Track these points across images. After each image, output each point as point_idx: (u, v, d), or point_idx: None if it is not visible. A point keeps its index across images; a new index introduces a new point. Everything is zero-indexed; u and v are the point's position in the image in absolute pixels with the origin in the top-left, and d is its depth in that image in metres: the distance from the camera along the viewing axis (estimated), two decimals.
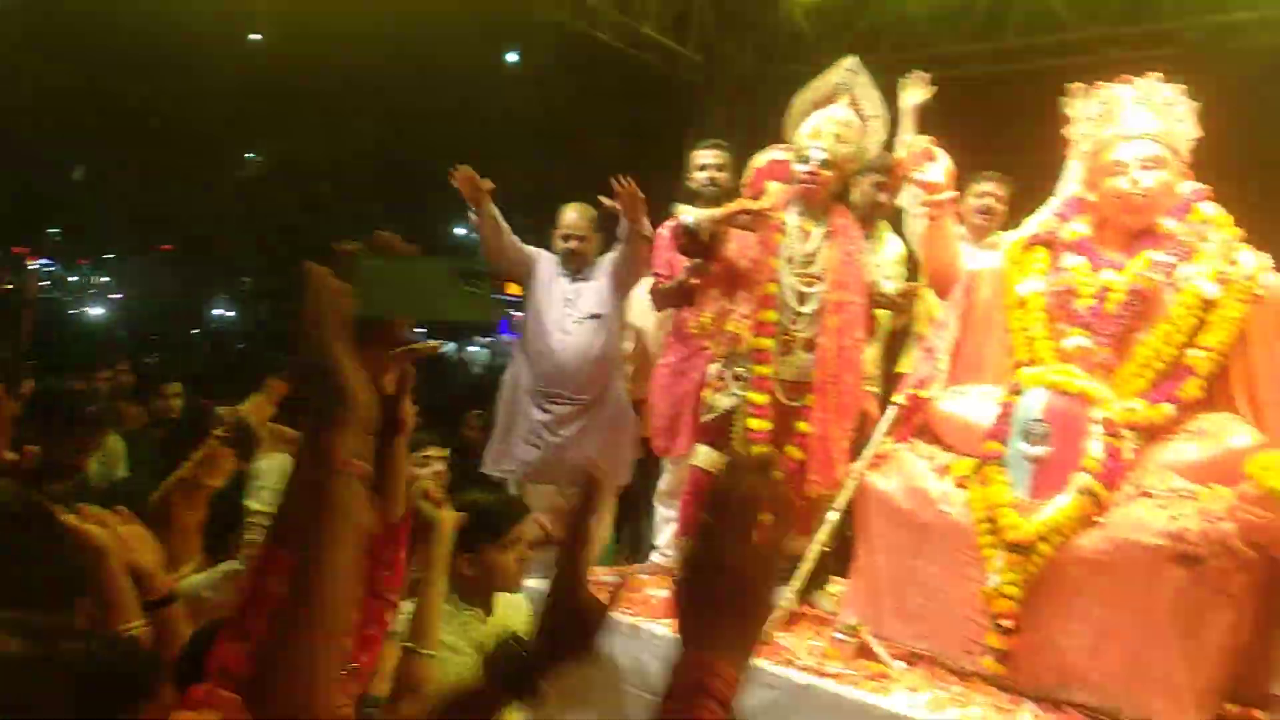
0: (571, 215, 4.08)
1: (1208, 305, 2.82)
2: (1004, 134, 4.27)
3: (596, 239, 4.08)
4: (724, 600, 0.94)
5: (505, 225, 4.03)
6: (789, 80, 3.47)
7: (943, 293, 3.34)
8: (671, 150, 4.39)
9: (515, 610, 2.59)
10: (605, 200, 3.84)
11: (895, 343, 3.86)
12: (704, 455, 3.31)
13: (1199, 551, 2.47)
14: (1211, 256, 2.86)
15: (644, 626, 3.11)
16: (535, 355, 4.04)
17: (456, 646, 2.33)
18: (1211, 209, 2.96)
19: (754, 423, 3.23)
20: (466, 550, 2.35)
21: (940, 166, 3.23)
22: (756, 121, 3.47)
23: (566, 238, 4.07)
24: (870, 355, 3.57)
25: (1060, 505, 2.66)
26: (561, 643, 1.18)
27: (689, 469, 3.41)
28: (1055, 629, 2.65)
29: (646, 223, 3.84)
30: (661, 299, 3.84)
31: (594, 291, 4.01)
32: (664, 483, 4.11)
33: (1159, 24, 5.97)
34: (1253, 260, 2.84)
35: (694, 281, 3.48)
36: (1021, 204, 3.99)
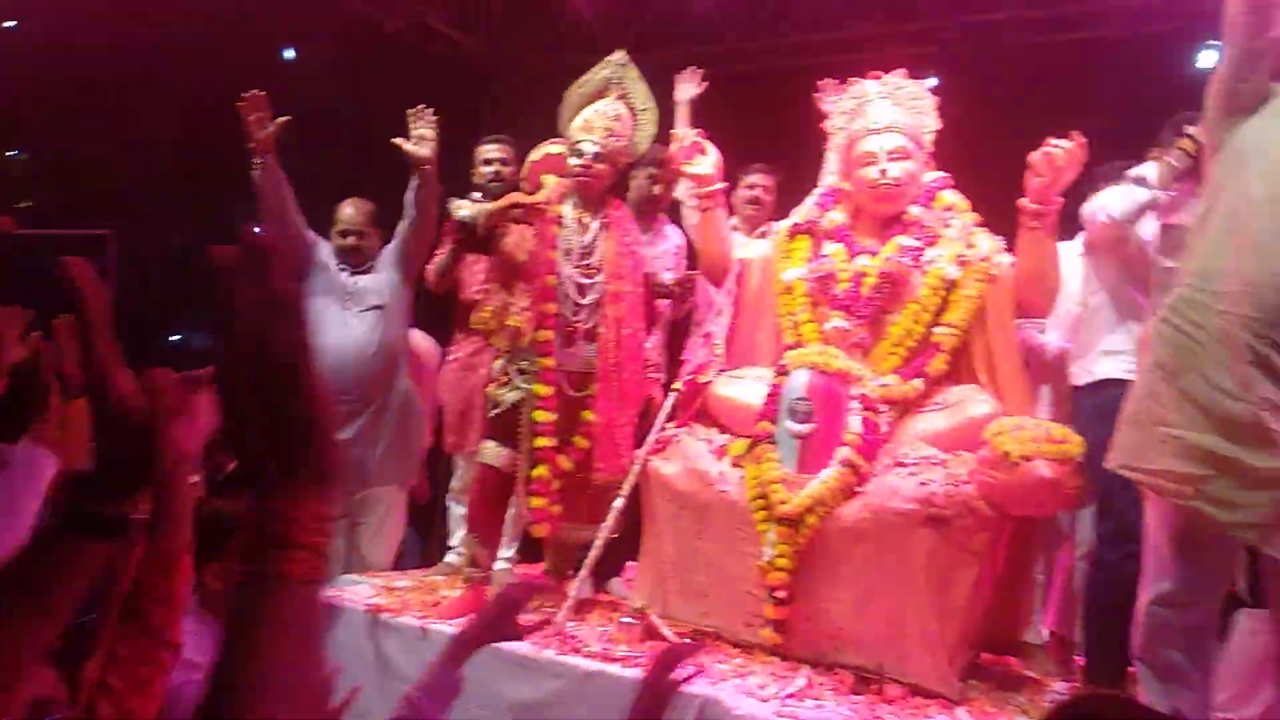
0: (349, 210, 3.93)
1: (950, 286, 3.03)
2: (784, 127, 4.44)
3: (377, 235, 3.95)
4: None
5: (290, 193, 3.77)
6: (579, 72, 3.49)
7: (717, 281, 3.45)
8: (464, 145, 4.32)
9: None
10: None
11: (677, 331, 3.96)
12: (491, 451, 3.29)
13: (945, 513, 2.66)
14: (953, 241, 3.09)
15: (433, 628, 3.08)
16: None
17: None
18: (953, 196, 3.19)
19: (539, 415, 3.24)
20: (211, 561, 2.23)
21: (709, 159, 3.33)
22: (548, 114, 3.46)
23: (345, 233, 3.91)
24: (652, 343, 3.65)
25: (824, 478, 2.81)
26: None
27: (477, 465, 3.38)
28: (824, 596, 2.80)
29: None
30: (437, 277, 3.84)
31: (376, 283, 3.87)
32: (456, 480, 4.09)
33: (922, 24, 6.36)
34: (988, 243, 3.08)
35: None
36: (796, 194, 4.19)
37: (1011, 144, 3.08)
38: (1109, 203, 3.09)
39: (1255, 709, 2.83)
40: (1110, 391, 2.97)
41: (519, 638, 1.79)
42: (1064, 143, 2.80)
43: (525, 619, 1.75)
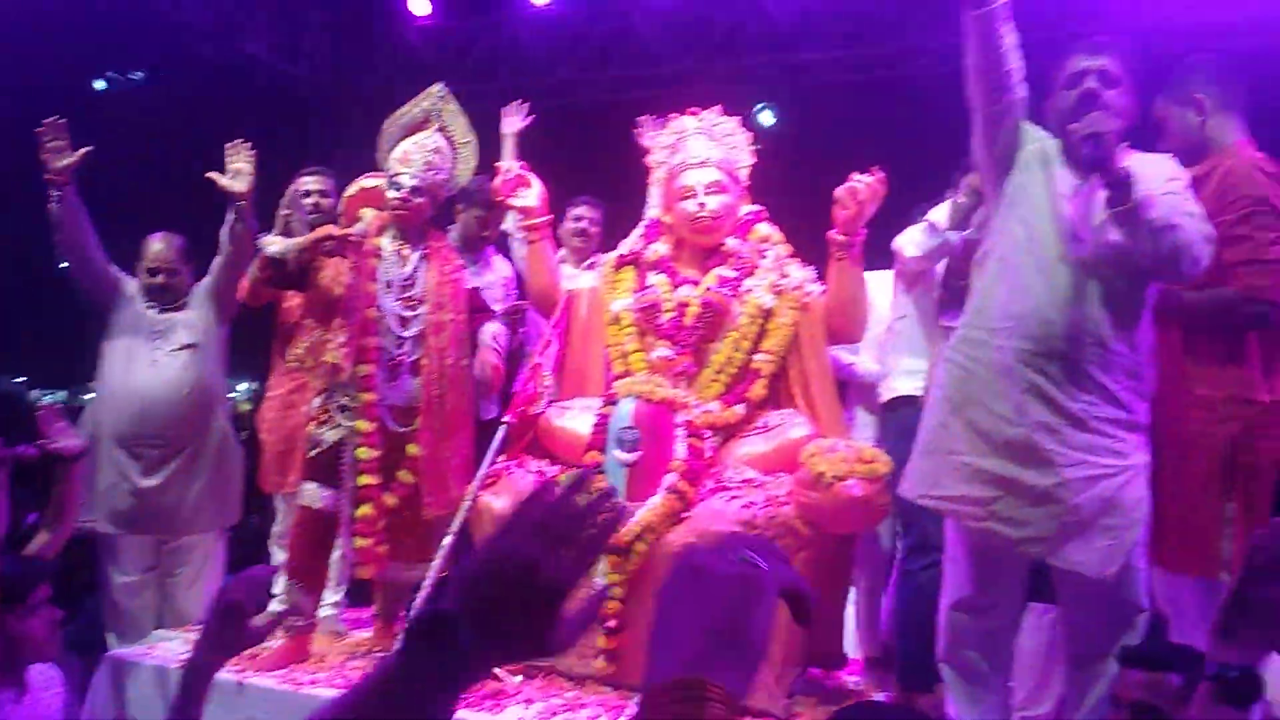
0: (158, 246, 3.73)
1: (767, 314, 3.15)
2: (609, 160, 4.53)
3: (188, 271, 3.77)
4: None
5: (90, 226, 3.57)
6: (405, 103, 3.46)
7: (546, 313, 3.47)
8: (287, 176, 4.20)
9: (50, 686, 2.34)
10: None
11: (509, 362, 3.95)
12: (310, 492, 3.18)
13: (766, 534, 2.74)
14: (768, 271, 3.21)
15: (251, 683, 2.93)
16: (119, 394, 3.62)
17: None
18: (767, 228, 3.33)
19: (362, 452, 3.16)
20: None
21: (534, 192, 3.36)
22: (373, 145, 3.41)
23: (154, 271, 3.70)
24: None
25: (652, 505, 2.86)
26: None
27: (297, 508, 3.26)
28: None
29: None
30: (250, 293, 3.72)
31: (188, 321, 3.69)
32: (277, 524, 3.93)
33: (741, 60, 6.63)
34: (800, 272, 3.22)
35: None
36: (623, 226, 4.27)
37: (822, 178, 3.23)
38: (905, 244, 3.32)
39: (1049, 706, 3.04)
40: (908, 409, 3.17)
41: (257, 641, 1.55)
42: (866, 178, 2.97)
43: (258, 620, 1.50)
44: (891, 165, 3.03)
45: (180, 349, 3.63)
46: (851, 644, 3.41)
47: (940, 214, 3.28)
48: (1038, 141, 2.55)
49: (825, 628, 3.07)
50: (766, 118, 6.73)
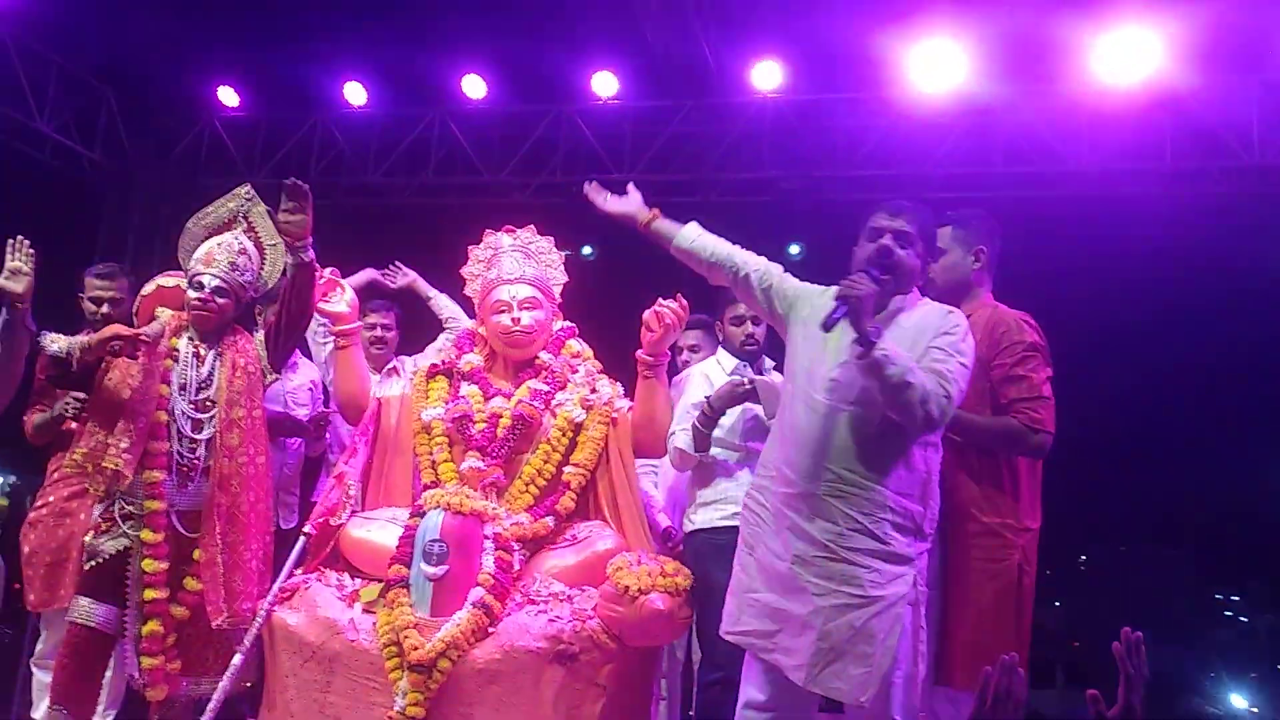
0: None
1: (577, 427, 3.24)
2: (425, 262, 4.57)
3: None
4: None
5: None
6: (212, 196, 3.38)
7: (353, 420, 3.41)
8: (80, 263, 3.98)
9: None
10: None
11: (310, 470, 3.84)
12: (84, 608, 2.96)
13: (573, 649, 2.77)
14: (579, 385, 3.32)
15: None
16: None
17: None
18: (578, 344, 3.45)
19: (149, 564, 2.98)
20: None
21: (345, 297, 3.34)
22: (174, 237, 3.31)
23: None
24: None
25: (457, 621, 2.82)
26: None
27: (69, 625, 3.00)
28: None
29: None
30: (35, 432, 3.44)
31: None
32: (43, 642, 3.60)
33: (556, 177, 6.88)
34: (609, 388, 3.35)
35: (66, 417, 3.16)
36: (424, 331, 4.29)
37: (629, 298, 3.39)
38: (677, 439, 3.37)
39: None
40: (703, 536, 3.28)
41: None
42: (671, 304, 3.15)
43: None
44: (691, 289, 3.23)
45: None
46: None
47: (684, 439, 3.43)
48: (816, 299, 2.77)
49: None
50: (587, 251, 6.97)
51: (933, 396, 2.49)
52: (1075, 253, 6.22)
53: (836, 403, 2.61)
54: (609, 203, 3.10)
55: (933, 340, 2.59)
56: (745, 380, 3.24)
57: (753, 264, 2.88)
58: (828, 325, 2.50)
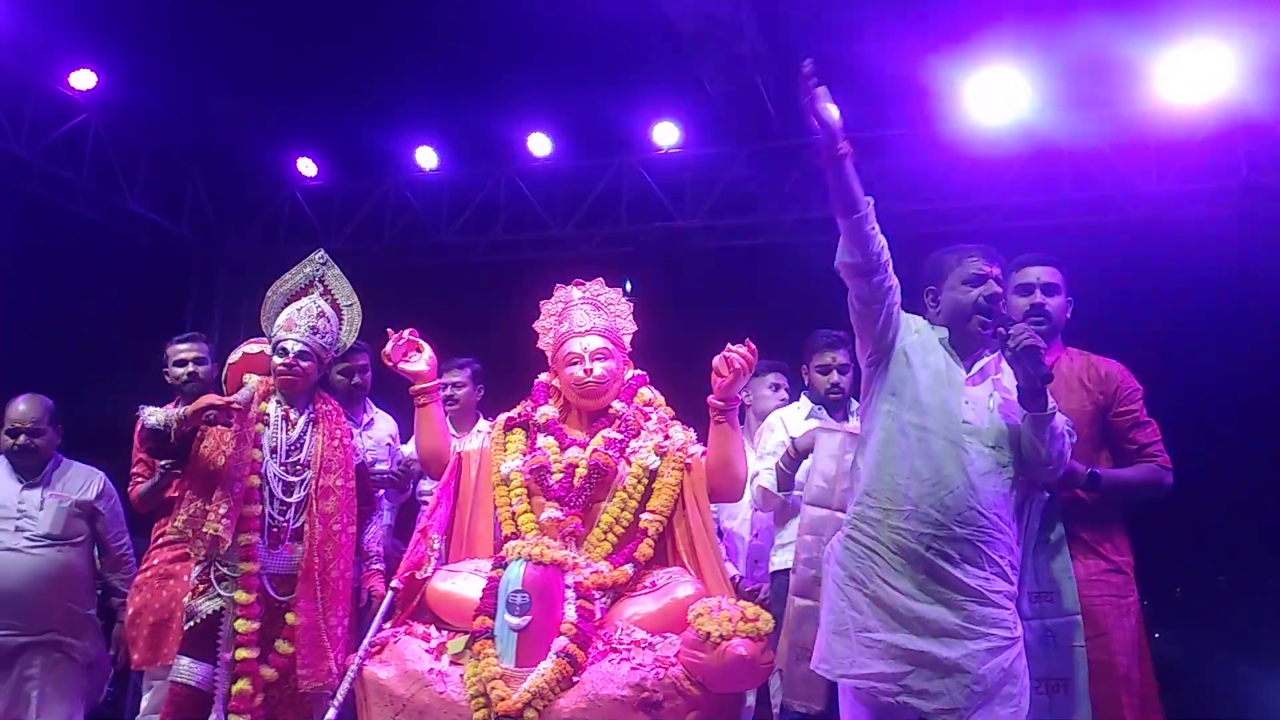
0: (22, 408, 3.65)
1: (652, 475, 3.27)
2: (500, 319, 4.69)
3: (53, 434, 3.67)
4: None
5: None
6: (295, 263, 3.54)
7: (435, 474, 3.50)
8: (169, 335, 4.18)
9: None
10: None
11: (403, 519, 3.95)
12: (185, 668, 3.07)
13: (657, 696, 2.78)
14: (652, 433, 3.36)
15: None
16: None
17: None
18: (650, 392, 3.49)
19: (241, 624, 3.08)
20: None
21: (424, 356, 3.45)
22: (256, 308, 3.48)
23: (15, 433, 3.61)
24: (373, 535, 3.59)
25: (542, 671, 2.85)
26: None
27: (170, 685, 3.12)
28: None
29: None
30: (140, 500, 3.59)
31: (56, 504, 3.59)
32: (146, 701, 3.74)
33: (620, 227, 6.99)
34: (682, 434, 3.38)
35: (169, 483, 3.31)
36: (503, 385, 4.38)
37: (699, 343, 3.43)
38: (761, 478, 3.62)
39: None
40: (783, 577, 3.40)
41: None
42: (739, 348, 3.18)
43: None
44: (754, 326, 3.27)
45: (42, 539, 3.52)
46: None
47: (768, 479, 3.62)
48: (918, 333, 2.82)
49: None
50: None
51: (1067, 451, 2.61)
52: (1147, 278, 6.08)
53: (983, 447, 2.64)
54: (822, 108, 2.66)
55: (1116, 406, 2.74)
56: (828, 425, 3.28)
57: (893, 277, 2.76)
58: (1046, 377, 2.58)
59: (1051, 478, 2.67)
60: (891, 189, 6.38)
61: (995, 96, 5.96)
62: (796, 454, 3.32)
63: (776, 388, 4.11)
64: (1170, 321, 5.92)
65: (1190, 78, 5.59)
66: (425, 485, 4.08)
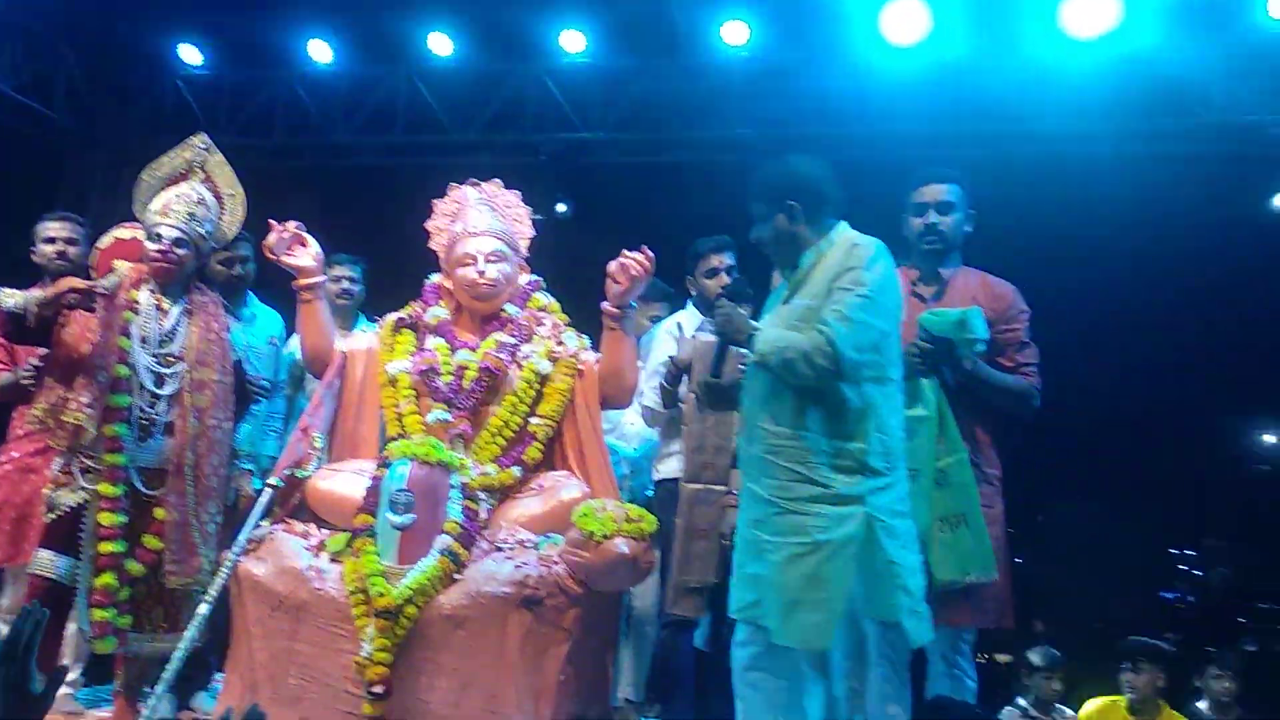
0: None
1: (543, 379, 3.25)
2: (391, 221, 4.55)
3: None
4: None
5: None
6: None
7: (319, 373, 3.40)
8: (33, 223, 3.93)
9: None
10: None
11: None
12: (44, 560, 2.96)
13: (539, 594, 2.81)
14: (545, 338, 3.33)
15: None
16: None
17: None
18: (545, 297, 3.45)
19: (105, 517, 2.96)
20: None
21: (310, 251, 3.32)
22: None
23: None
24: (245, 435, 3.49)
25: (424, 568, 2.84)
26: None
27: (29, 578, 3.00)
28: (423, 686, 2.80)
29: None
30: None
31: None
32: (7, 598, 3.60)
33: (524, 135, 6.82)
34: (575, 340, 3.36)
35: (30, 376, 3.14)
36: (392, 286, 4.26)
37: (599, 259, 3.38)
38: (646, 398, 3.70)
39: None
40: (667, 486, 3.57)
41: None
42: (636, 255, 3.15)
43: None
44: (659, 243, 3.24)
45: None
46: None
47: (653, 399, 3.69)
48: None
49: (595, 684, 3.14)
50: (561, 208, 6.88)
51: (815, 351, 2.53)
52: (1042, 212, 6.25)
53: (755, 365, 2.71)
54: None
55: (837, 280, 2.62)
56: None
57: None
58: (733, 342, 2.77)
59: (806, 385, 2.63)
60: (800, 113, 6.37)
61: (904, 22, 5.95)
62: (678, 370, 3.37)
63: (657, 319, 4.09)
64: (1064, 253, 6.12)
65: (1090, 15, 5.68)
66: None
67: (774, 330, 2.65)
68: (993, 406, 3.10)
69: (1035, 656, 4.59)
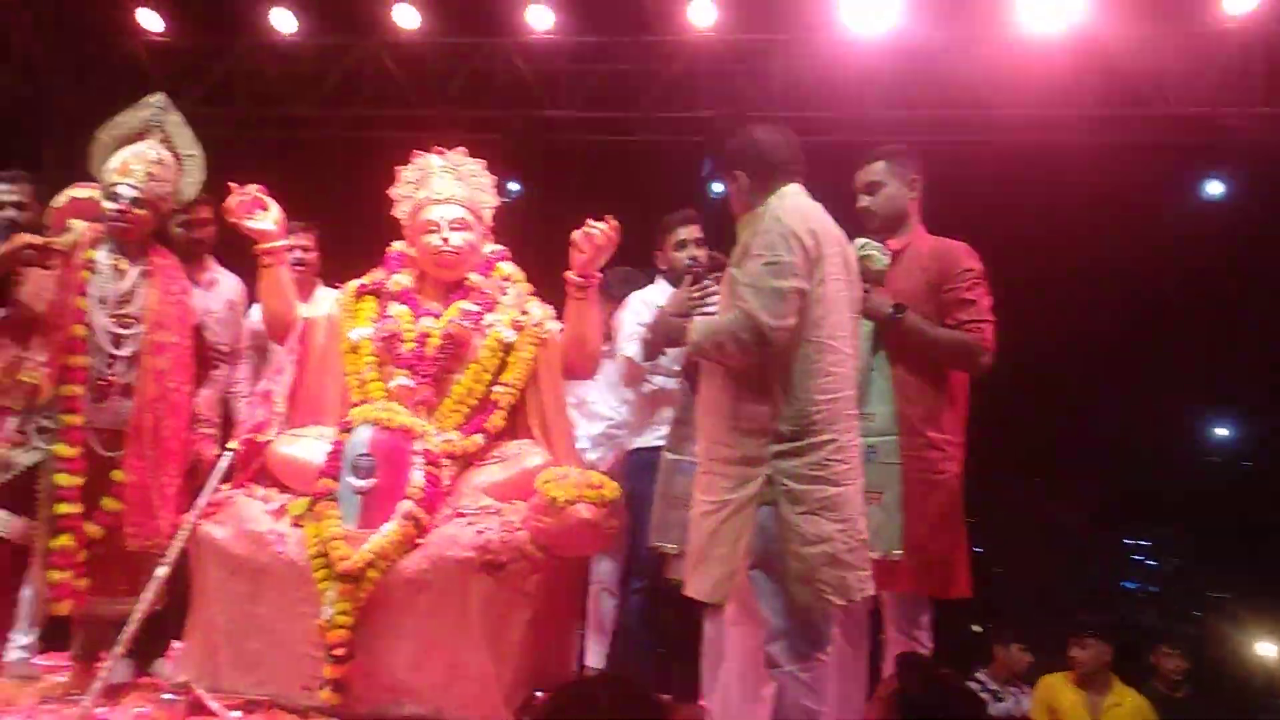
0: None
1: (507, 348, 3.26)
2: (354, 193, 4.51)
3: None
4: None
5: None
6: None
7: (279, 339, 3.38)
8: None
9: None
10: None
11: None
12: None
13: (501, 559, 2.82)
14: (509, 307, 3.33)
15: None
16: None
17: None
18: (510, 267, 3.45)
19: (62, 479, 2.94)
20: None
21: (271, 215, 3.29)
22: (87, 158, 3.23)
23: None
24: (206, 398, 3.46)
25: (385, 532, 2.85)
26: None
27: None
28: (384, 650, 2.81)
29: None
30: None
31: None
32: None
33: (490, 112, 6.79)
34: (540, 310, 3.36)
35: None
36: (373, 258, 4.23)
37: (562, 223, 3.38)
38: (626, 349, 3.71)
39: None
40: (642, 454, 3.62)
41: None
42: (601, 225, 3.16)
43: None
44: (625, 217, 3.25)
45: None
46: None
47: (633, 348, 3.68)
48: None
49: (555, 649, 3.17)
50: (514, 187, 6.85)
51: (739, 329, 2.55)
52: (1002, 199, 6.35)
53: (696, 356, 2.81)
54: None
55: (746, 250, 2.64)
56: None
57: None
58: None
59: (739, 363, 2.65)
60: (766, 95, 6.40)
61: (869, 9, 6.00)
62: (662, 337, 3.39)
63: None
64: (1024, 239, 6.22)
65: (1048, 6, 5.77)
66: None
67: (703, 320, 2.73)
68: (934, 360, 3.08)
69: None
